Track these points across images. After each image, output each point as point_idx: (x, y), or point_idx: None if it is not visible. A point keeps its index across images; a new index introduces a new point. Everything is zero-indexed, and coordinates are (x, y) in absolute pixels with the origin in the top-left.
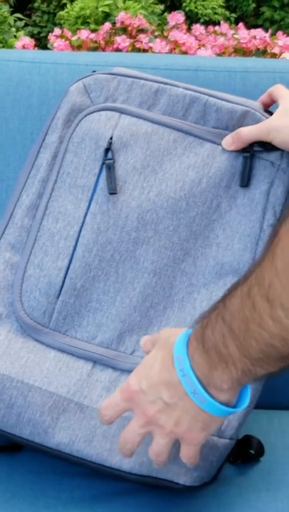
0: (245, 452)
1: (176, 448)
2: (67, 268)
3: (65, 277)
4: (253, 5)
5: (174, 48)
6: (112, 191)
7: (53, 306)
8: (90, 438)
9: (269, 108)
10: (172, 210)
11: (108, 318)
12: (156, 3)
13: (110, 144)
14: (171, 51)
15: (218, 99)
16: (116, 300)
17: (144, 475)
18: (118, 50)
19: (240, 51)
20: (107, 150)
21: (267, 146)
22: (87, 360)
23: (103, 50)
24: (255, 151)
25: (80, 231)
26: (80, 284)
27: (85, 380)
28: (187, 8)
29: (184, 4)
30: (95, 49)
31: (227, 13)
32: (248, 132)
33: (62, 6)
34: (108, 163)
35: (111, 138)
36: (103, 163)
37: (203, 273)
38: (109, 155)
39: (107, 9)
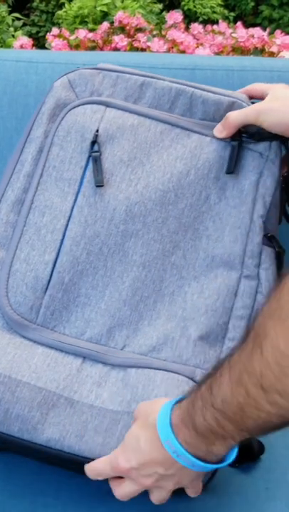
0: (245, 451)
1: None
2: (55, 262)
3: (52, 271)
4: (252, 3)
5: (172, 47)
6: (99, 184)
7: (40, 301)
8: (81, 433)
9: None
10: (160, 202)
11: (97, 313)
12: (155, 2)
13: (96, 136)
14: (169, 50)
15: (205, 91)
16: (105, 294)
17: None
18: (116, 49)
19: (239, 50)
20: (94, 143)
21: (255, 137)
22: (77, 356)
23: (101, 49)
24: (243, 138)
25: (67, 224)
26: (68, 279)
27: (74, 375)
28: (186, 7)
29: (183, 3)
30: (93, 48)
31: (226, 11)
32: (237, 116)
33: (61, 6)
34: (94, 156)
35: (97, 130)
36: (89, 156)
37: (194, 266)
38: (96, 147)
39: (105, 8)
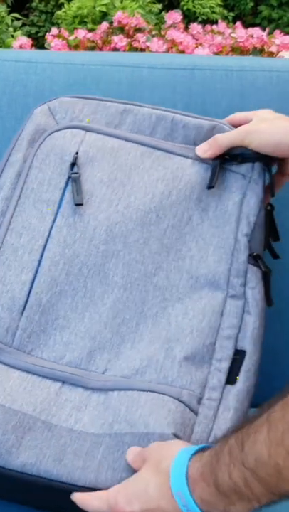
0: None
1: None
2: (32, 282)
3: (29, 292)
4: (251, 4)
5: (171, 47)
6: (78, 202)
7: (17, 323)
8: (59, 456)
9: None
10: (142, 223)
11: (77, 336)
12: (154, 3)
13: (76, 158)
14: (168, 50)
15: (185, 116)
16: (85, 316)
17: None
18: (115, 49)
19: (238, 50)
20: (73, 164)
21: (238, 158)
22: (55, 380)
23: (100, 49)
24: (226, 161)
25: (45, 244)
26: (46, 300)
27: (52, 399)
28: (185, 7)
29: (182, 3)
30: (92, 48)
31: (225, 11)
32: (225, 137)
33: (60, 6)
34: (74, 177)
35: (76, 153)
36: (69, 178)
37: (177, 287)
38: (75, 169)
39: (104, 9)
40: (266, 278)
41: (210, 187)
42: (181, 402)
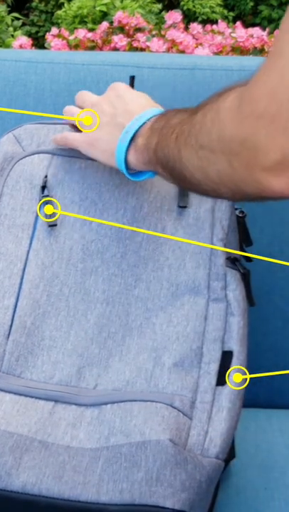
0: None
1: (157, 467)
2: (15, 306)
3: (13, 316)
4: (251, 3)
5: (172, 47)
6: (52, 224)
7: (4, 348)
8: (59, 474)
9: None
10: (117, 238)
11: (64, 354)
12: (154, 2)
13: (45, 181)
14: (168, 50)
15: None
16: (70, 334)
17: (125, 504)
18: (115, 49)
19: (238, 50)
20: (43, 188)
21: None
22: (48, 400)
23: (100, 49)
24: None
25: (24, 268)
26: (30, 322)
27: (46, 419)
28: (185, 7)
29: (182, 3)
30: (92, 48)
31: (225, 11)
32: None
33: (60, 6)
34: (46, 200)
35: (46, 176)
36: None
37: (159, 296)
38: (46, 192)
39: (104, 8)
40: (246, 279)
41: (182, 206)
42: (174, 407)
